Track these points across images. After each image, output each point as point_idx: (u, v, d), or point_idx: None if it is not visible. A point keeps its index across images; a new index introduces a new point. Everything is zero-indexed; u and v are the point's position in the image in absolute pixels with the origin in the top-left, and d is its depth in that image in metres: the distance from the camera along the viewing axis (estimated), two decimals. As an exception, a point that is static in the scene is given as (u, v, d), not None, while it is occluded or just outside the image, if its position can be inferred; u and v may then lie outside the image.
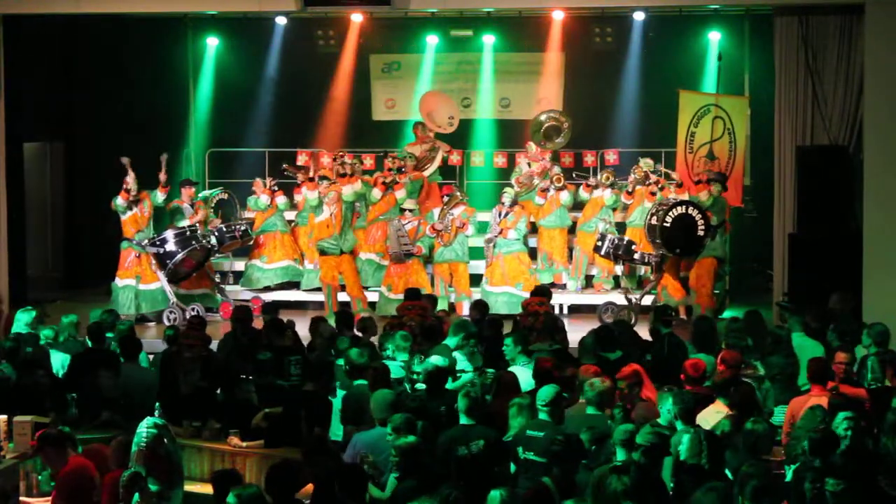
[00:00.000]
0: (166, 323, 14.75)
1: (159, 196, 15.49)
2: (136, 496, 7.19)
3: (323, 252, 15.37)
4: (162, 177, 15.43)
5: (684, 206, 14.35)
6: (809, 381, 9.08)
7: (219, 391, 9.72)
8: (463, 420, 8.06)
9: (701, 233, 14.31)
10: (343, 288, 15.53)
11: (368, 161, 17.57)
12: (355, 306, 15.12)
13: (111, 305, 14.80)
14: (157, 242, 15.03)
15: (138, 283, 15.31)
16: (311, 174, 16.21)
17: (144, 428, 7.53)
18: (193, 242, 15.07)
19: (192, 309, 15.02)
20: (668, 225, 14.24)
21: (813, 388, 8.89)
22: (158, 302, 15.29)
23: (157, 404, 8.61)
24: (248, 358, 10.38)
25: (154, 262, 15.14)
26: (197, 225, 15.47)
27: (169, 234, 15.06)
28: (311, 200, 15.63)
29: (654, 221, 14.46)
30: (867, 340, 10.13)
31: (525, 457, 7.80)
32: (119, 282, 15.42)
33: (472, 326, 10.81)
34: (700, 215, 14.32)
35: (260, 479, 8.20)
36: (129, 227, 15.37)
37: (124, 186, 15.16)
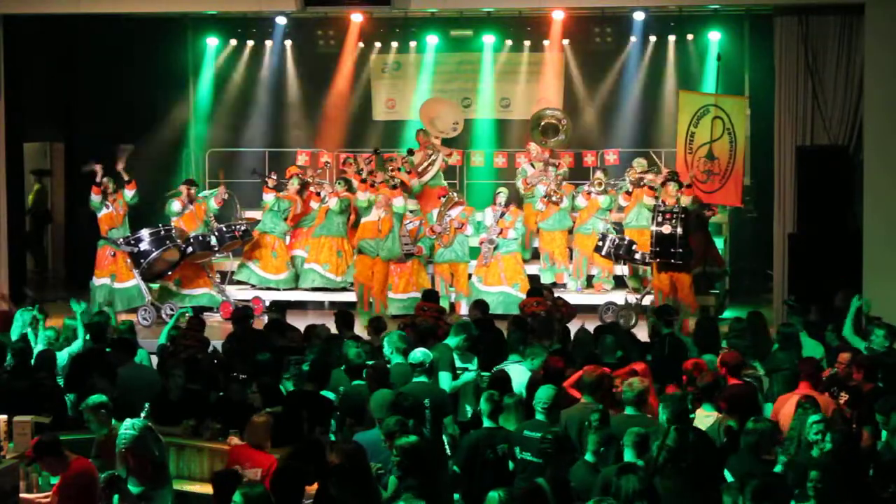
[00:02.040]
0: (141, 322, 14.79)
1: (128, 193, 15.51)
2: (117, 498, 7.17)
3: (360, 251, 15.40)
4: (119, 166, 15.43)
5: (686, 213, 14.40)
6: (797, 379, 9.10)
7: (210, 392, 9.70)
8: (487, 423, 8.05)
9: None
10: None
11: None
12: (378, 309, 15.16)
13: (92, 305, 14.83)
14: (132, 241, 15.08)
15: (113, 281, 15.35)
16: (364, 176, 16.02)
17: (123, 430, 7.52)
18: (168, 242, 15.11)
19: (168, 307, 15.06)
20: (682, 234, 14.25)
21: (800, 386, 8.90)
22: (134, 299, 15.31)
23: (147, 404, 8.54)
24: (246, 358, 10.38)
25: (129, 260, 15.19)
26: (172, 223, 15.50)
27: (144, 234, 15.10)
28: (361, 202, 15.61)
29: (666, 230, 14.37)
30: (882, 340, 10.13)
31: (522, 457, 7.80)
32: (96, 280, 15.49)
33: (475, 328, 10.82)
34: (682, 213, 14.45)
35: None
36: (104, 224, 15.46)
37: (97, 180, 15.29)
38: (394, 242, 15.25)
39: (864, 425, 8.21)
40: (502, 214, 15.54)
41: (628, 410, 8.22)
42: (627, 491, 6.49)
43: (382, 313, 14.83)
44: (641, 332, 11.85)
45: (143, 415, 8.08)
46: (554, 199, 16.10)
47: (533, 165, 16.81)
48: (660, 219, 14.46)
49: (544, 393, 8.16)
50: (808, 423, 7.72)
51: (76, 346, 10.91)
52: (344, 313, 11.99)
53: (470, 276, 15.58)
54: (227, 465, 7.94)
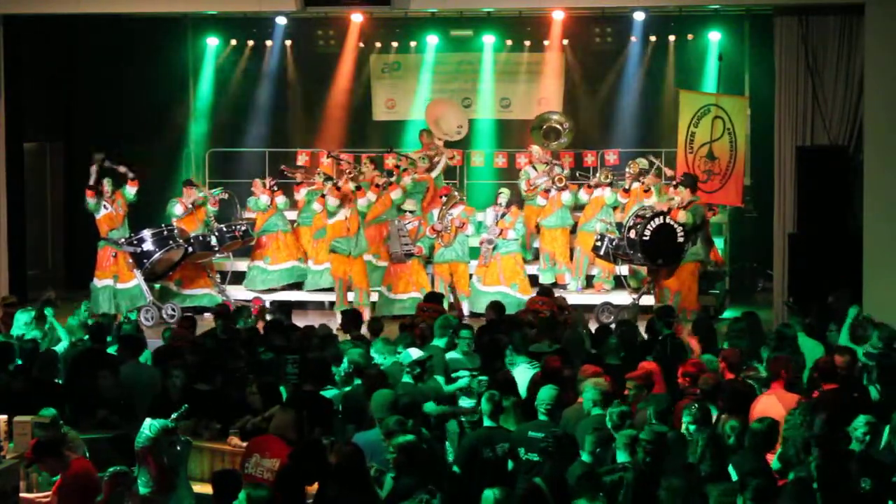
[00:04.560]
0: (144, 322, 14.81)
1: (129, 190, 15.51)
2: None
3: (333, 251, 15.43)
4: (121, 169, 15.44)
5: (662, 217, 14.37)
6: (769, 379, 9.09)
7: (215, 391, 9.69)
8: (487, 423, 8.05)
9: (681, 240, 14.33)
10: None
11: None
12: (361, 298, 15.17)
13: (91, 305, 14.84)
14: (135, 242, 15.10)
15: (116, 282, 15.37)
16: (338, 183, 15.95)
17: (143, 429, 7.52)
18: (171, 242, 15.14)
19: (170, 308, 15.09)
20: (647, 238, 14.28)
21: (772, 386, 8.89)
22: (136, 299, 15.34)
23: (185, 406, 8.48)
24: (236, 355, 10.40)
25: (131, 260, 15.19)
26: (174, 223, 15.51)
27: (146, 234, 15.13)
28: (331, 207, 15.55)
29: (632, 235, 14.47)
30: (876, 341, 10.12)
31: (527, 458, 7.79)
32: (98, 282, 15.49)
33: (455, 319, 10.87)
34: (678, 223, 14.36)
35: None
36: (104, 225, 15.47)
37: (90, 182, 15.28)
38: (361, 240, 15.26)
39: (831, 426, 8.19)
40: (503, 215, 15.54)
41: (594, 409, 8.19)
42: (618, 492, 6.49)
43: (365, 305, 14.79)
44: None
45: (174, 416, 7.98)
46: (557, 184, 16.05)
47: (535, 167, 16.81)
48: (631, 223, 14.56)
49: (546, 394, 8.13)
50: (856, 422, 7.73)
51: (61, 347, 10.91)
52: (352, 311, 12.02)
53: (471, 276, 15.60)
54: (245, 453, 7.95)
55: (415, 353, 9.63)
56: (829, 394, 8.80)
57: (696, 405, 7.84)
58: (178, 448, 7.72)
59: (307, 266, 16.40)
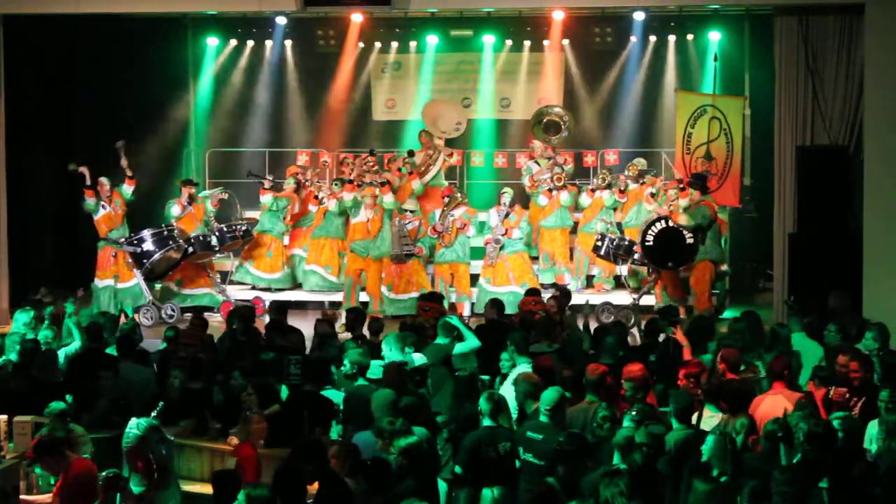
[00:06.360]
0: (143, 322, 14.83)
1: (126, 189, 15.51)
2: (118, 497, 7.17)
3: (352, 251, 15.45)
4: (123, 163, 15.45)
5: (665, 221, 14.39)
6: (770, 378, 9.09)
7: (212, 391, 9.69)
8: (487, 422, 8.06)
9: (690, 241, 14.34)
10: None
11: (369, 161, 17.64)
12: (375, 306, 15.23)
13: (93, 306, 14.84)
14: (135, 242, 15.13)
15: (116, 282, 15.38)
16: (352, 176, 16.11)
17: (128, 429, 7.53)
18: (171, 242, 15.17)
19: (169, 308, 15.10)
20: (650, 243, 14.31)
21: (774, 386, 8.90)
22: (138, 297, 15.36)
23: (161, 403, 8.53)
24: (244, 357, 10.39)
25: (130, 260, 15.20)
26: (174, 223, 15.52)
27: (146, 234, 15.16)
28: (347, 202, 15.60)
29: (638, 245, 14.58)
30: (870, 340, 10.13)
31: (525, 458, 7.79)
32: (99, 282, 15.52)
33: (456, 319, 10.89)
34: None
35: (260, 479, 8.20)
36: (103, 225, 15.49)
37: (87, 183, 15.33)
38: (383, 241, 15.29)
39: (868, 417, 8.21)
40: (507, 214, 15.55)
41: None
42: (606, 496, 6.48)
43: (380, 312, 14.86)
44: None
45: (153, 413, 8.03)
46: (556, 183, 16.06)
47: (538, 163, 16.80)
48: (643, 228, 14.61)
49: (549, 395, 8.12)
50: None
51: (73, 347, 10.92)
52: (356, 310, 12.04)
53: (477, 277, 15.62)
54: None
55: (418, 358, 9.61)
56: (870, 390, 8.80)
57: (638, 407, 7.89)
58: (165, 446, 7.73)
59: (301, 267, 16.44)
